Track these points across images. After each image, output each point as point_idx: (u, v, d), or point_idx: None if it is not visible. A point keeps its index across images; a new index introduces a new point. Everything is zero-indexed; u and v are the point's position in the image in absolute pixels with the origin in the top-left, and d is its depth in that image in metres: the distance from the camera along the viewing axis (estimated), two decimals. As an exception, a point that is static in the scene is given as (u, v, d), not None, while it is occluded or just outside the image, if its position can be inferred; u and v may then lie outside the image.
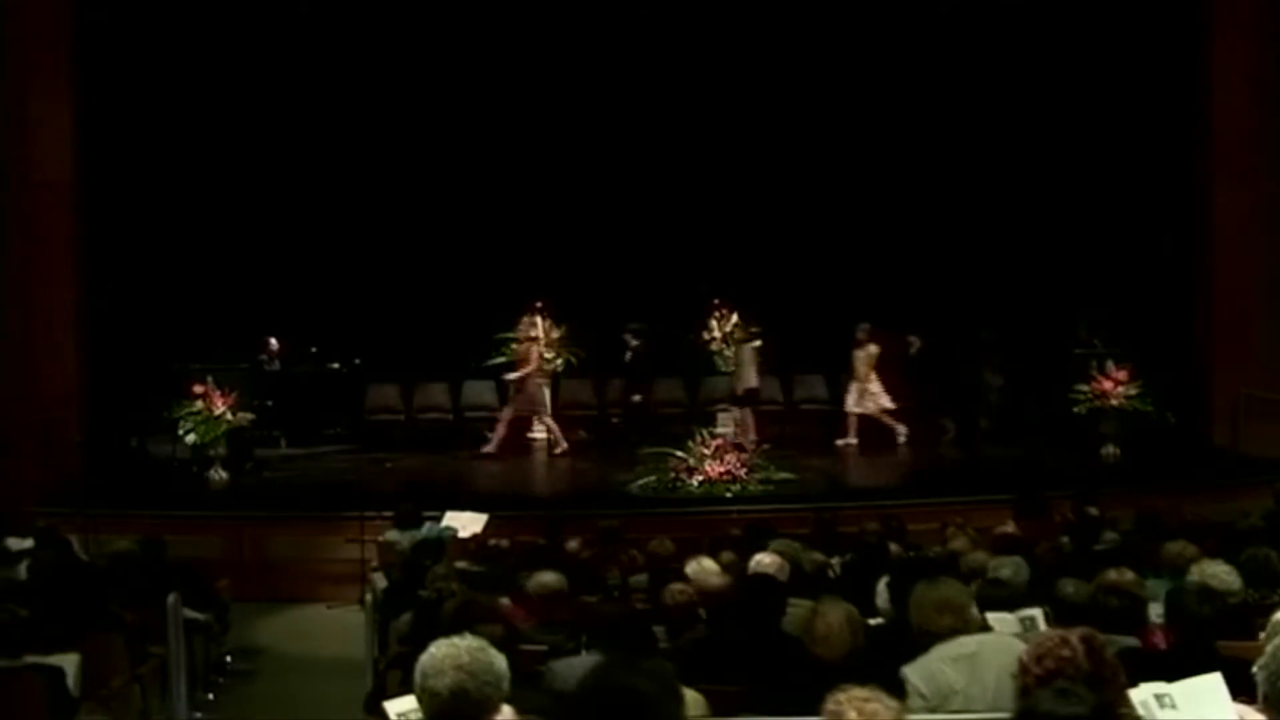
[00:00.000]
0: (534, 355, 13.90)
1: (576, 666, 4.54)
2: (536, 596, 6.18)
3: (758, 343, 14.63)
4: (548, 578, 6.23)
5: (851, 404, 14.72)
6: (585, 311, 15.07)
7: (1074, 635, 3.63)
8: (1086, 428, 13.87)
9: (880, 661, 4.46)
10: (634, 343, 14.63)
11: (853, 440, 14.68)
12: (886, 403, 14.66)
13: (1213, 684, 3.74)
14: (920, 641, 4.64)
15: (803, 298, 15.20)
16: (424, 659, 3.28)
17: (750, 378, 14.46)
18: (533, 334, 14.20)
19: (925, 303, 15.25)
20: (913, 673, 4.49)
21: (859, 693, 3.14)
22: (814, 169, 15.81)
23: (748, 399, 14.43)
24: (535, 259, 15.37)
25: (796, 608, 5.50)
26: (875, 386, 14.57)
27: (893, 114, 15.58)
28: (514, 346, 14.37)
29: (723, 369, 15.58)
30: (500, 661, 3.28)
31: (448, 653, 3.25)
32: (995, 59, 15.10)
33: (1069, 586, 5.58)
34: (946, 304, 15.23)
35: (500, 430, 14.10)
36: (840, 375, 15.16)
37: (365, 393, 15.32)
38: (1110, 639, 4.30)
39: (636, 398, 14.74)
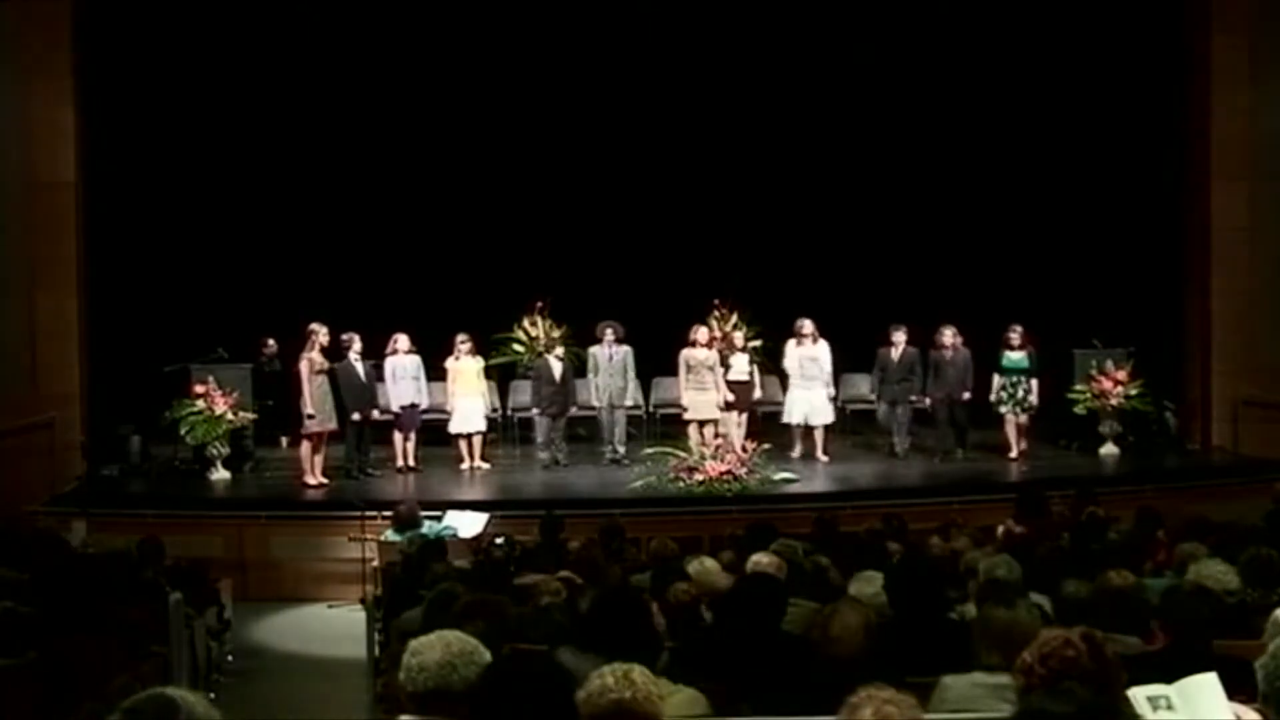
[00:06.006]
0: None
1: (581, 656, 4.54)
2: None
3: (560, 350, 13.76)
4: (536, 578, 6.24)
5: (793, 413, 13.47)
6: (584, 312, 15.03)
7: (1075, 634, 3.64)
8: (1086, 427, 13.89)
9: (883, 661, 4.44)
10: None
11: (797, 452, 13.60)
12: (828, 416, 13.54)
13: (1209, 684, 3.75)
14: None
15: (801, 299, 15.16)
16: (414, 642, 3.59)
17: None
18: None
19: (923, 303, 15.23)
20: None
21: (882, 693, 3.10)
22: (815, 171, 15.77)
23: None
24: (534, 259, 15.35)
25: (797, 608, 5.50)
26: (820, 395, 13.41)
27: (890, 115, 15.55)
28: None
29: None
30: (485, 655, 3.55)
31: (440, 635, 3.61)
32: (993, 59, 15.08)
33: (1070, 586, 5.58)
34: (944, 304, 15.20)
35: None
36: (838, 376, 15.15)
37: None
38: (1111, 638, 4.31)
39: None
